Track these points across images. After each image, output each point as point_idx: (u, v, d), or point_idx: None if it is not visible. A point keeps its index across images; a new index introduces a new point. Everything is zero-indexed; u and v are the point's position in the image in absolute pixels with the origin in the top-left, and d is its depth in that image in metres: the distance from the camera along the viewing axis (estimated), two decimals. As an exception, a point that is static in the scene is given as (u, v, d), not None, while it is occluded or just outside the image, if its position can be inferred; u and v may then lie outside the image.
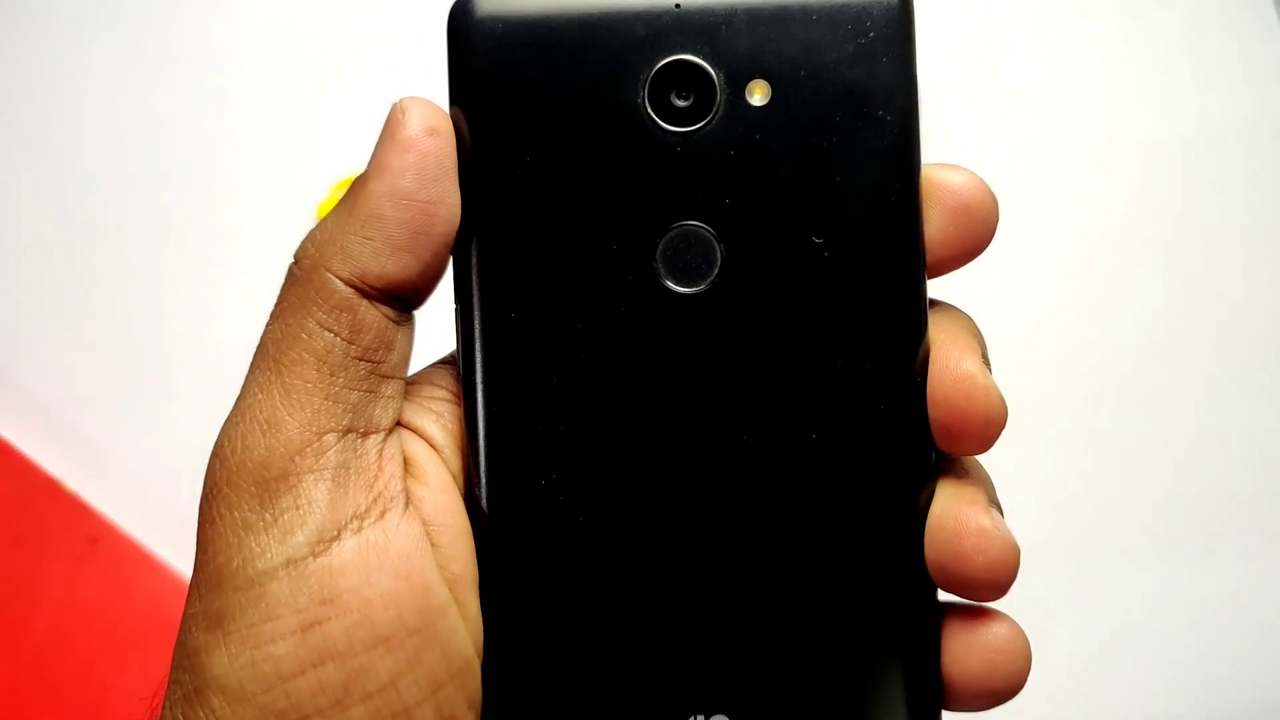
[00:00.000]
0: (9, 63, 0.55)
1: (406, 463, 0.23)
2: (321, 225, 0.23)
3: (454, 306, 0.23)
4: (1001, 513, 0.22)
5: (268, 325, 0.23)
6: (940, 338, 0.22)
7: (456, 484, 0.23)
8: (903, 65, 0.23)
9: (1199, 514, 0.54)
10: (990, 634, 0.22)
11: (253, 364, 0.23)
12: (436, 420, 0.23)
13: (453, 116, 0.23)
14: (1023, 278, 0.57)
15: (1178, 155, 0.60)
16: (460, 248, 0.23)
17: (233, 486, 0.22)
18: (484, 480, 0.23)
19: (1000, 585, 0.21)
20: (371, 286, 0.22)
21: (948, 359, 0.22)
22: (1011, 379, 0.51)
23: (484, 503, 0.23)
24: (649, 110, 0.22)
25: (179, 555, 0.48)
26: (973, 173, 0.23)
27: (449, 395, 0.24)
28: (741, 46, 0.22)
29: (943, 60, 0.60)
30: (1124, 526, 0.53)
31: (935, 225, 0.23)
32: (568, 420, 0.23)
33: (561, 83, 0.22)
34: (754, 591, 0.22)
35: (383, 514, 0.22)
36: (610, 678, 0.23)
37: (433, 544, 0.22)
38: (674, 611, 0.23)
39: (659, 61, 0.22)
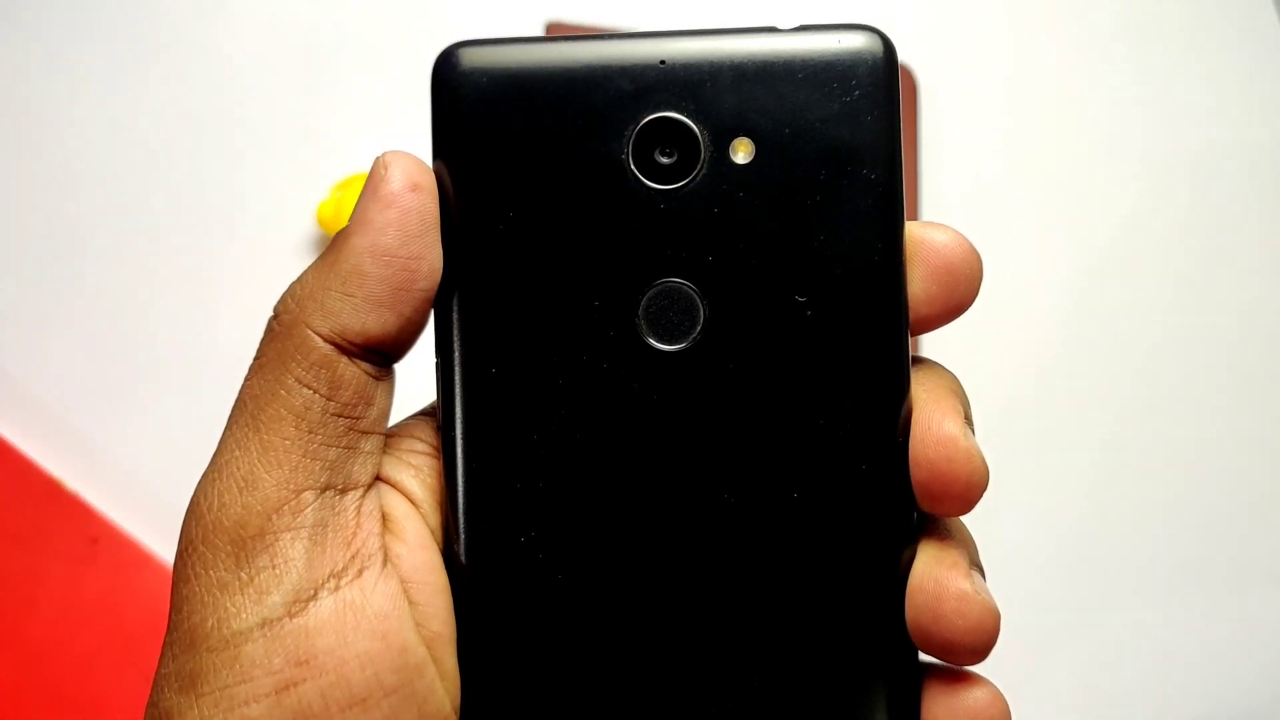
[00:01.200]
0: (7, 62, 0.55)
1: (385, 518, 0.23)
2: (302, 279, 0.23)
3: (434, 360, 0.23)
4: (984, 575, 0.22)
5: (246, 380, 0.23)
6: (923, 397, 0.22)
7: (435, 540, 0.23)
8: (887, 123, 0.22)
9: (1201, 543, 0.54)
10: (970, 698, 0.22)
11: (230, 419, 0.23)
12: (415, 475, 0.23)
13: (436, 169, 0.23)
14: (1027, 293, 0.57)
15: (1182, 163, 0.60)
16: (442, 302, 0.23)
17: (208, 545, 0.21)
18: (462, 537, 0.22)
19: (980, 650, 0.21)
20: (351, 343, 0.22)
21: (930, 420, 0.22)
22: (1012, 397, 0.51)
23: (462, 559, 0.22)
24: (632, 167, 0.22)
25: (179, 555, 0.48)
26: (957, 232, 0.23)
27: (428, 449, 0.24)
28: (726, 104, 0.22)
29: (947, 63, 0.60)
30: (1123, 553, 0.53)
31: (919, 284, 0.22)
32: (547, 477, 0.22)
33: (545, 137, 0.22)
34: (734, 651, 0.22)
35: (360, 572, 0.22)
36: None
37: (410, 601, 0.22)
38: (653, 671, 0.22)
39: (643, 118, 0.22)
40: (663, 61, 0.22)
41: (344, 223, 0.56)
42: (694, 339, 0.22)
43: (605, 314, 0.22)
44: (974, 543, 0.23)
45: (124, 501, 0.49)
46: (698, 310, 0.22)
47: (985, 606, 0.21)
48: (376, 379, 0.23)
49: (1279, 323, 0.57)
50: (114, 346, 0.51)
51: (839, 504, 0.22)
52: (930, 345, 0.54)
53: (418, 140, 0.60)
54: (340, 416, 0.22)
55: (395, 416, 0.25)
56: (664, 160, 0.22)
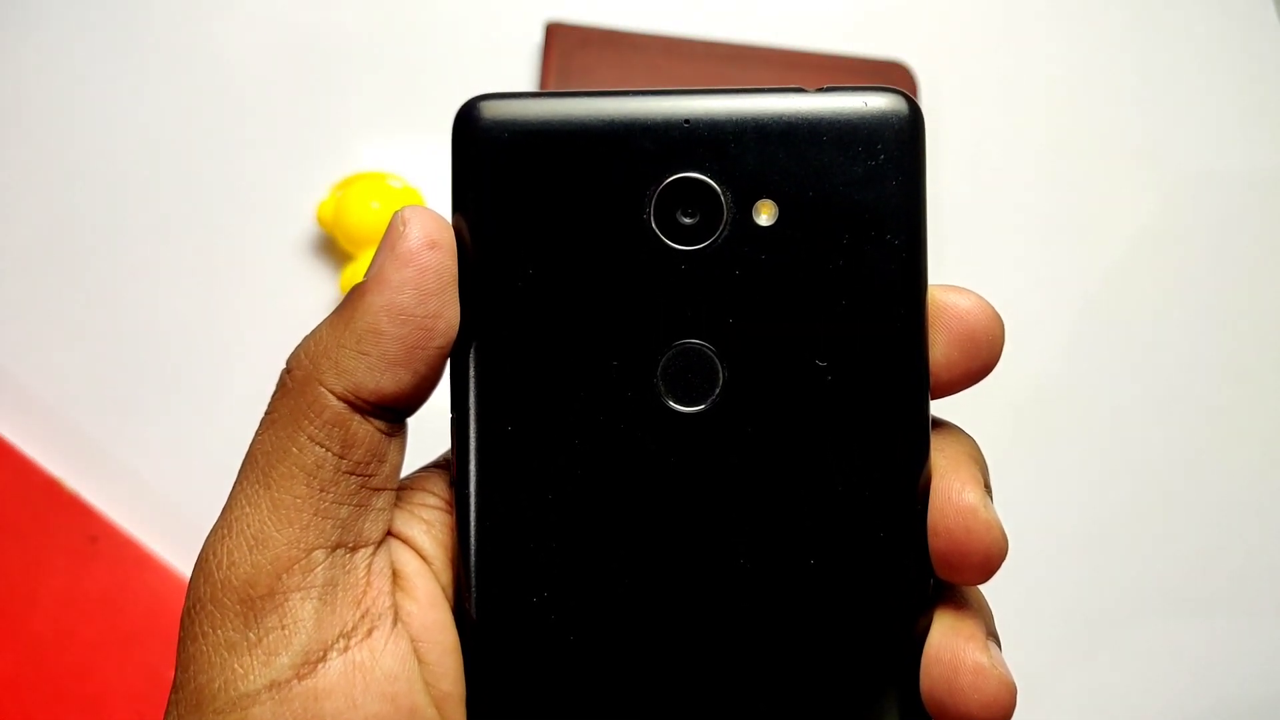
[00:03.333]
0: (7, 62, 0.55)
1: (395, 575, 0.22)
2: (316, 335, 0.22)
3: (450, 415, 0.23)
4: (1000, 645, 0.22)
5: (257, 435, 0.22)
6: (943, 465, 0.22)
7: (446, 597, 0.23)
8: (912, 188, 0.22)
9: (1208, 552, 0.54)
10: None
11: (240, 475, 0.22)
12: (427, 530, 0.23)
13: (455, 224, 0.23)
14: (1026, 293, 0.57)
15: (1182, 164, 0.60)
16: (458, 357, 0.23)
17: (217, 604, 0.21)
18: (474, 595, 0.22)
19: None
20: (366, 401, 0.22)
21: (949, 489, 0.22)
22: (1012, 398, 0.51)
23: (473, 617, 0.22)
24: (654, 227, 0.22)
25: (178, 555, 0.48)
26: (979, 296, 0.22)
27: (441, 503, 0.23)
28: (749, 165, 0.22)
29: (947, 63, 0.60)
30: (1131, 561, 0.53)
31: (940, 350, 0.22)
32: (561, 536, 0.22)
33: (567, 194, 0.22)
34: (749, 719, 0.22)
35: (370, 632, 0.22)
36: None
37: (420, 661, 0.22)
38: None
39: (666, 178, 0.22)
40: (687, 121, 0.22)
41: (344, 223, 0.56)
42: (713, 401, 0.22)
43: (623, 374, 0.22)
44: (990, 611, 0.23)
45: (123, 501, 0.49)
46: (717, 372, 0.22)
47: (1001, 680, 0.21)
48: (389, 435, 0.22)
49: None
50: (114, 346, 0.51)
51: (856, 572, 0.22)
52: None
53: (418, 139, 0.60)
54: (352, 474, 0.22)
55: (407, 462, 0.25)
56: (686, 221, 0.22)
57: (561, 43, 0.56)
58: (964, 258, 0.56)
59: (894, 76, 0.58)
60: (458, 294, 0.22)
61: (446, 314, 0.22)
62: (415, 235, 0.22)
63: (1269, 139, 0.60)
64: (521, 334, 0.22)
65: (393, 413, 0.22)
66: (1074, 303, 0.56)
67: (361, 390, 0.22)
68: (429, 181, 0.54)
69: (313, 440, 0.22)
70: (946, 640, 0.22)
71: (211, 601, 0.21)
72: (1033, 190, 0.58)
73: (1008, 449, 0.53)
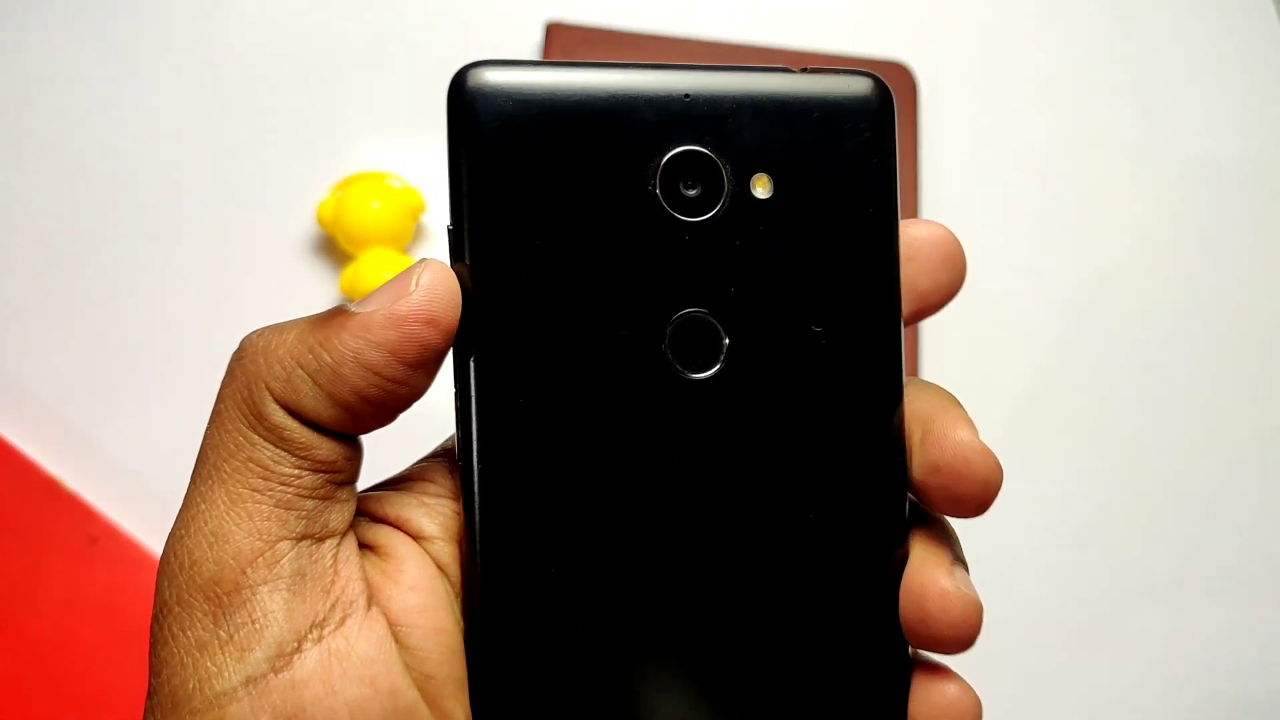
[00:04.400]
0: (8, 62, 0.55)
1: (381, 559, 0.22)
2: (280, 332, 0.22)
3: (453, 392, 0.23)
4: (967, 569, 0.23)
5: (208, 430, 0.22)
6: (934, 409, 0.23)
7: (446, 577, 0.23)
8: (888, 164, 0.23)
9: (1205, 544, 0.54)
10: (942, 693, 0.23)
11: (194, 473, 0.22)
12: (427, 513, 0.23)
13: (455, 192, 0.22)
14: (1026, 293, 0.57)
15: (1181, 164, 0.60)
16: (462, 334, 0.22)
17: (183, 604, 0.21)
18: (481, 577, 0.22)
19: (964, 640, 0.22)
20: (305, 419, 0.21)
21: (945, 428, 0.23)
22: (1012, 397, 0.51)
23: (478, 599, 0.22)
24: (661, 199, 0.22)
25: (178, 555, 0.48)
26: (938, 223, 0.24)
27: (444, 491, 0.23)
28: (747, 140, 0.23)
29: (947, 63, 0.60)
30: (1128, 555, 0.53)
31: (928, 276, 0.24)
32: (572, 507, 0.22)
33: (571, 163, 0.22)
34: (751, 673, 0.23)
35: (343, 620, 0.21)
36: None
37: (401, 644, 0.22)
38: (672, 698, 0.23)
39: (670, 150, 0.22)
40: (687, 95, 0.23)
41: (344, 223, 0.56)
42: (718, 369, 0.23)
43: (633, 342, 0.22)
44: (957, 538, 0.24)
45: (123, 501, 0.49)
46: (721, 340, 0.23)
47: (967, 600, 0.22)
48: (341, 440, 0.22)
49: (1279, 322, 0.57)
50: (114, 346, 0.51)
51: (849, 519, 0.23)
52: (931, 345, 0.54)
53: (418, 139, 0.60)
54: (312, 472, 0.21)
55: (403, 446, 0.25)
56: (689, 193, 0.23)
57: (561, 43, 0.56)
58: (964, 257, 0.56)
59: (894, 76, 0.58)
60: (434, 370, 0.22)
61: (417, 387, 0.22)
62: (417, 302, 0.21)
63: (1266, 134, 0.60)
64: (527, 308, 0.22)
65: (340, 435, 0.22)
66: (1073, 299, 0.56)
67: (303, 412, 0.21)
68: (429, 181, 0.54)
69: (263, 438, 0.21)
70: (916, 571, 0.23)
71: (178, 603, 0.21)
72: (1031, 188, 0.58)
73: (1005, 442, 0.53)
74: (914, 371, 0.52)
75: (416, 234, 0.54)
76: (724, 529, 0.23)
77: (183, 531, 0.21)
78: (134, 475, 0.49)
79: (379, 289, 0.22)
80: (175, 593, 0.21)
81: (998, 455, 0.22)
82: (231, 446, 0.21)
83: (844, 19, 0.60)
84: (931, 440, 0.23)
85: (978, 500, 0.23)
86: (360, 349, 0.21)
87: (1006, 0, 0.62)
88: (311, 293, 0.53)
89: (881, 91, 0.23)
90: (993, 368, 0.55)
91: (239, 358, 0.22)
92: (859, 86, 0.23)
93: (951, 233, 0.24)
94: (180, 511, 0.22)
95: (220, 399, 0.22)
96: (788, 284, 0.23)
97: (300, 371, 0.21)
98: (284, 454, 0.21)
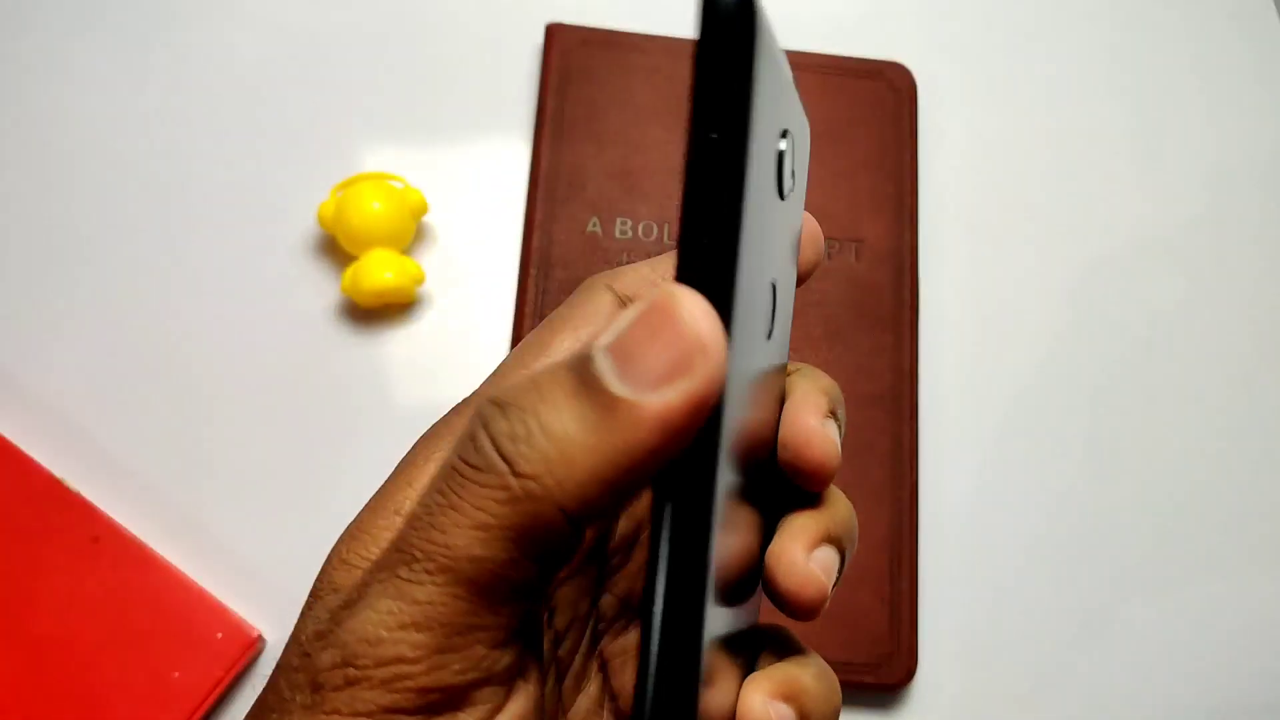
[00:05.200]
0: (7, 62, 0.55)
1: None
2: (564, 441, 0.18)
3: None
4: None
5: (465, 532, 0.19)
6: (797, 396, 0.25)
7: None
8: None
9: (1202, 541, 0.54)
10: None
11: (435, 573, 0.20)
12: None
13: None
14: (1025, 292, 0.57)
15: (1181, 164, 0.60)
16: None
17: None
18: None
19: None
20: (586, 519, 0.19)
21: (797, 411, 0.24)
22: (1012, 396, 0.51)
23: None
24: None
25: (180, 554, 0.48)
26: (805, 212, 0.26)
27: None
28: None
29: (946, 63, 0.60)
30: (1124, 552, 0.53)
31: (805, 255, 0.26)
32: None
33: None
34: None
35: None
36: None
37: None
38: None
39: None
40: None
41: (345, 223, 0.56)
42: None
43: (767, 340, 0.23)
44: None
45: (125, 501, 0.49)
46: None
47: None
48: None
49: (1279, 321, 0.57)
50: (115, 346, 0.51)
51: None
52: (934, 344, 0.54)
53: (419, 140, 0.60)
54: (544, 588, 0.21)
55: (398, 433, 0.25)
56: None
57: (561, 43, 0.56)
58: (962, 255, 0.56)
59: (894, 76, 0.58)
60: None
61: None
62: (714, 370, 0.18)
63: (1266, 135, 0.60)
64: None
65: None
66: (1072, 299, 0.56)
67: (594, 513, 0.19)
68: (430, 182, 0.54)
69: (528, 557, 0.19)
70: (792, 416, 0.25)
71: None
72: (1031, 188, 0.58)
73: (1001, 441, 0.53)
74: (914, 371, 0.53)
75: (417, 235, 0.54)
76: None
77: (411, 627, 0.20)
78: (136, 475, 0.49)
79: (647, 349, 0.18)
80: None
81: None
82: (497, 566, 0.20)
83: (844, 19, 0.60)
84: (786, 420, 0.24)
85: (816, 475, 0.24)
86: (662, 410, 0.18)
87: (1006, 1, 0.62)
88: (313, 293, 0.53)
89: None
90: (992, 367, 0.55)
91: (518, 473, 0.19)
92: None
93: (807, 214, 0.26)
94: (403, 605, 0.20)
95: (484, 507, 0.19)
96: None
97: (598, 476, 0.19)
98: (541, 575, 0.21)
